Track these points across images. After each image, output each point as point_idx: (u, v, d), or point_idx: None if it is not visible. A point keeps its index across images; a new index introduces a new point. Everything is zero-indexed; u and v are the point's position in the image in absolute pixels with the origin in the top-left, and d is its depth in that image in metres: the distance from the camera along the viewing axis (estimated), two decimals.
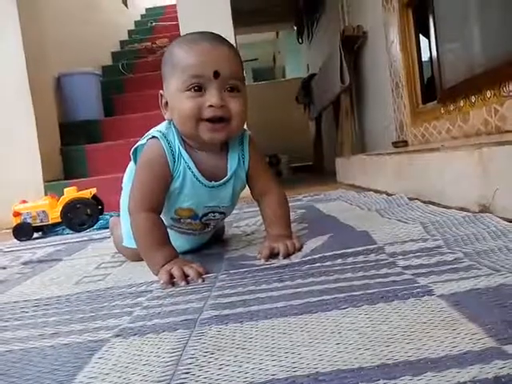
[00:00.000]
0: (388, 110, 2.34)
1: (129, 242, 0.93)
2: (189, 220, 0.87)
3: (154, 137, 0.82)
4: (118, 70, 3.74)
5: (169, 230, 0.86)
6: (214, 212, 0.87)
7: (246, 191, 0.93)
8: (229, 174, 0.84)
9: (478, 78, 1.45)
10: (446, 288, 0.52)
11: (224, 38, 0.80)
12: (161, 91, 0.82)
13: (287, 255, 0.78)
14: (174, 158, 0.81)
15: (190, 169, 0.81)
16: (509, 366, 0.33)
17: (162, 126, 0.84)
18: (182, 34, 2.54)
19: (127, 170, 0.93)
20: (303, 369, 0.38)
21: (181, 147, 0.81)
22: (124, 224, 0.95)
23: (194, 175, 0.82)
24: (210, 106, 0.75)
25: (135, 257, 0.93)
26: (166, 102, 0.81)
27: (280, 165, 5.23)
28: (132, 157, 0.86)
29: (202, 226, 0.90)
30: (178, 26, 2.53)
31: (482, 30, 1.47)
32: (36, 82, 2.53)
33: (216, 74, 0.74)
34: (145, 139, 0.84)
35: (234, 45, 0.82)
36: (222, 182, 0.84)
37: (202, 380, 0.38)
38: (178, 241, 0.89)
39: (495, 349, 0.36)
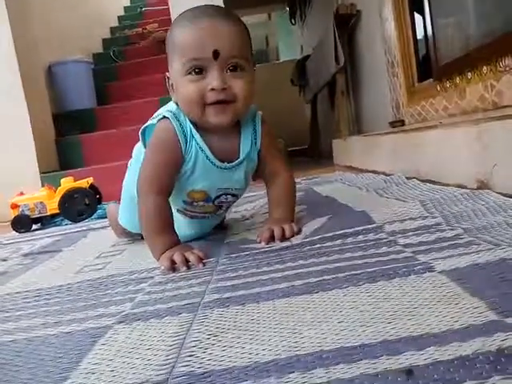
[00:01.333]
0: (384, 90, 2.32)
1: (123, 220, 0.99)
2: (202, 203, 0.85)
3: (164, 117, 0.79)
4: (109, 58, 3.69)
5: (180, 216, 0.87)
6: (226, 194, 0.86)
7: None
8: (241, 156, 0.82)
9: (473, 54, 1.44)
10: (446, 264, 0.52)
11: (229, 12, 0.77)
12: (167, 73, 0.80)
13: (283, 238, 0.77)
14: (185, 140, 0.78)
15: (202, 150, 0.79)
16: (511, 337, 0.33)
17: (172, 106, 0.81)
18: (172, 18, 2.50)
19: (134, 150, 0.91)
20: (306, 347, 0.38)
21: (193, 128, 0.79)
22: (123, 201, 0.97)
23: (207, 156, 0.79)
24: (212, 89, 0.72)
25: (123, 235, 1.03)
26: (172, 84, 0.79)
27: None
28: (141, 137, 0.84)
29: (215, 209, 0.88)
30: (168, 9, 2.49)
31: (476, 4, 1.44)
32: (27, 73, 2.49)
33: (215, 54, 0.71)
34: (155, 119, 0.81)
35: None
36: (234, 163, 0.82)
37: (206, 362, 0.38)
38: (187, 225, 0.89)
39: (497, 322, 0.36)
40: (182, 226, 0.88)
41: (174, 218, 0.82)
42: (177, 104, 0.80)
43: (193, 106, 0.75)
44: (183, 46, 0.73)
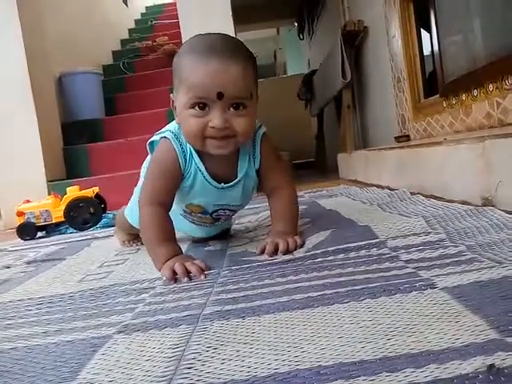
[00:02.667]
0: (390, 105, 2.33)
1: (129, 214, 1.03)
2: (199, 214, 0.91)
3: (166, 137, 0.83)
4: (118, 69, 3.74)
5: (184, 219, 0.93)
6: (223, 209, 0.91)
7: None
8: (238, 177, 0.85)
9: (479, 72, 1.44)
10: (448, 281, 0.52)
11: (236, 49, 0.76)
12: (171, 95, 0.82)
13: (287, 252, 0.78)
14: (185, 159, 0.82)
15: (200, 171, 0.83)
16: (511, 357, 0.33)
17: (175, 126, 0.84)
18: (182, 31, 2.52)
19: (146, 161, 0.96)
20: (305, 362, 0.38)
21: (192, 149, 0.82)
22: (134, 199, 1.01)
23: (204, 177, 0.84)
24: (213, 127, 0.74)
25: (129, 230, 1.08)
26: (176, 106, 0.81)
27: None
28: (149, 149, 0.89)
29: (213, 220, 0.94)
30: (178, 23, 2.53)
31: (483, 23, 1.46)
32: (38, 83, 2.53)
33: (220, 95, 0.73)
34: (158, 136, 0.85)
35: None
36: (231, 184, 0.85)
37: (204, 375, 0.38)
38: (191, 228, 0.96)
39: (498, 341, 0.36)
40: (184, 225, 0.94)
41: (180, 220, 0.88)
42: (179, 124, 0.83)
43: (194, 138, 0.77)
44: (190, 82, 0.74)
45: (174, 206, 0.86)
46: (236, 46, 0.78)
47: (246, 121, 0.76)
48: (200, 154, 0.82)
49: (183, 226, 0.96)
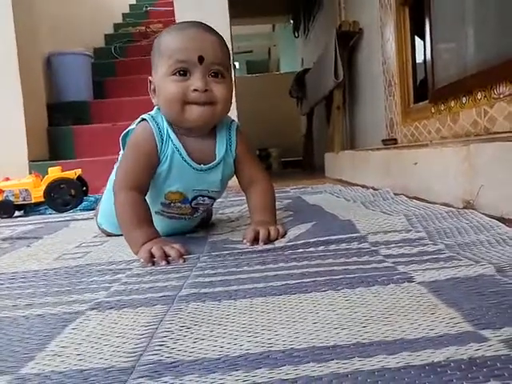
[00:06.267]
0: (379, 108, 2.34)
1: (102, 221, 1.02)
2: (179, 204, 0.88)
3: (143, 119, 0.83)
4: (110, 53, 3.68)
5: (158, 216, 0.88)
6: (203, 196, 0.88)
7: (234, 180, 0.93)
8: (217, 158, 0.85)
9: (469, 80, 1.46)
10: (426, 276, 0.52)
11: (211, 28, 0.82)
12: (150, 77, 0.83)
13: (268, 240, 0.78)
14: (162, 140, 0.82)
15: (178, 150, 0.82)
16: (484, 348, 0.33)
17: (152, 111, 0.85)
18: (177, 20, 2.50)
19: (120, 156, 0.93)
20: (278, 345, 0.37)
21: (169, 129, 0.82)
22: (102, 204, 1.01)
23: (182, 157, 0.82)
24: (195, 90, 0.76)
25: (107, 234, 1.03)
26: (155, 88, 0.82)
27: (270, 159, 5.23)
28: (121, 142, 0.87)
29: (192, 211, 0.90)
30: (172, 11, 2.50)
31: (475, 32, 1.47)
32: (25, 60, 2.47)
33: (200, 59, 0.76)
34: (134, 124, 0.85)
35: (230, 35, 0.85)
36: (210, 165, 0.85)
37: (175, 352, 0.38)
38: (167, 226, 0.91)
39: (472, 333, 0.36)
40: (161, 224, 0.88)
41: (157, 217, 0.84)
42: (158, 109, 0.84)
43: (174, 104, 0.78)
44: (171, 49, 0.77)
45: (151, 202, 0.83)
46: (210, 27, 0.82)
47: (224, 88, 0.79)
48: (177, 134, 0.82)
49: (160, 224, 0.87)
